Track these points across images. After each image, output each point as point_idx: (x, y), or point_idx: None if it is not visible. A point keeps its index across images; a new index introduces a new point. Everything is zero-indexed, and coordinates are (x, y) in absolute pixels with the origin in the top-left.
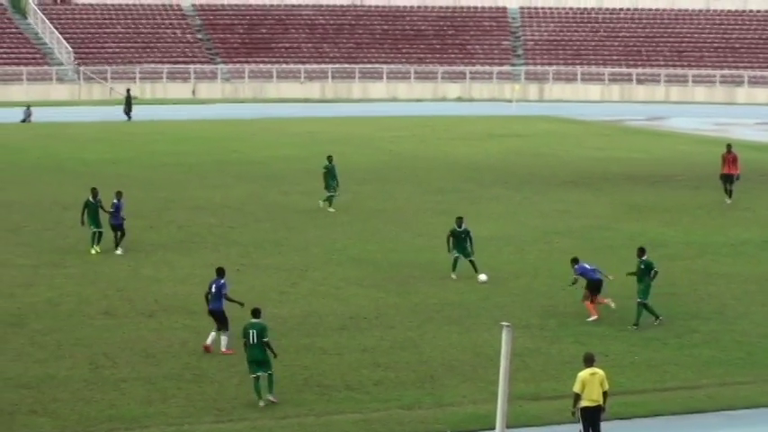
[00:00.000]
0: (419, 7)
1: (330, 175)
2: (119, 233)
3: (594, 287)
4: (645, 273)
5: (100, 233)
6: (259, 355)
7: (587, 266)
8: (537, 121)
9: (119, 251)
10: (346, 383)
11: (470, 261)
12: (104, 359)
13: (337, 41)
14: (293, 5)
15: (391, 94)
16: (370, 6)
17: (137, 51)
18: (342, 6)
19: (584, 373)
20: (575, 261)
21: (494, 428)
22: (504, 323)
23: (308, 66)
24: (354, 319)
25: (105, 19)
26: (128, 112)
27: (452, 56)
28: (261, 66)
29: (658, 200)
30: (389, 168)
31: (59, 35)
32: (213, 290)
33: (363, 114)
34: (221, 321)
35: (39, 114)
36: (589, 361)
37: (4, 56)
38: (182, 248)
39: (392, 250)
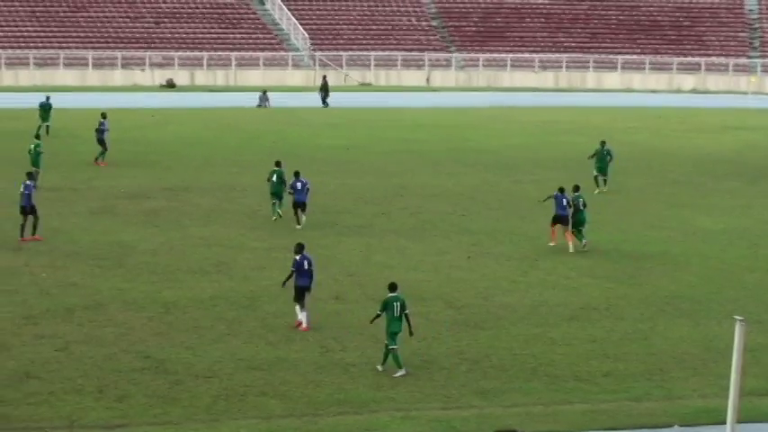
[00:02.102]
0: None
1: (598, 158)
2: (299, 210)
3: (556, 219)
4: None
5: (273, 204)
6: (400, 327)
7: (564, 201)
8: None
9: (298, 227)
10: (575, 374)
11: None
12: (334, 343)
13: (572, 31)
14: None
15: (625, 84)
16: None
17: (372, 38)
18: None
19: None
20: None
21: (723, 423)
22: (737, 317)
23: (542, 55)
24: (584, 309)
25: (341, 5)
26: (324, 98)
27: (688, 47)
28: (495, 54)
29: None
30: (622, 159)
31: (296, 21)
32: (306, 267)
33: (597, 105)
34: (305, 298)
35: (274, 99)
36: None
37: (242, 41)
38: (414, 235)
39: (623, 241)
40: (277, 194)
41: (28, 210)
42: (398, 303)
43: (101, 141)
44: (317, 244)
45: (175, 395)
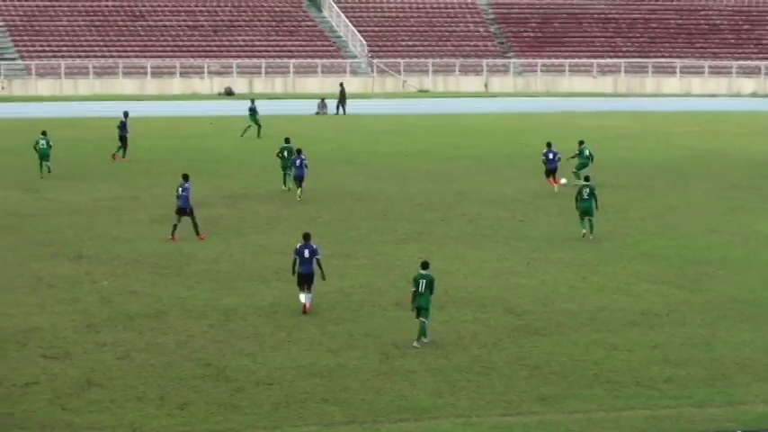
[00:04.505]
0: (714, 1)
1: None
2: (298, 183)
3: (547, 173)
4: None
5: (285, 175)
6: (424, 303)
7: (551, 155)
8: None
9: (299, 198)
10: (636, 380)
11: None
12: (394, 350)
13: (630, 35)
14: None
15: (685, 89)
16: (664, 0)
17: (430, 45)
18: (635, 0)
19: None
20: (548, 145)
21: None
22: None
23: (600, 60)
24: (645, 315)
25: (399, 12)
26: (339, 105)
27: (747, 50)
28: (553, 60)
29: None
30: (682, 164)
31: (354, 28)
32: (307, 255)
33: (656, 109)
34: (311, 283)
35: (332, 107)
36: None
37: (300, 49)
38: (472, 241)
39: (684, 246)
40: (287, 167)
41: (187, 211)
42: (424, 281)
43: (122, 138)
44: (376, 251)
45: (236, 402)
